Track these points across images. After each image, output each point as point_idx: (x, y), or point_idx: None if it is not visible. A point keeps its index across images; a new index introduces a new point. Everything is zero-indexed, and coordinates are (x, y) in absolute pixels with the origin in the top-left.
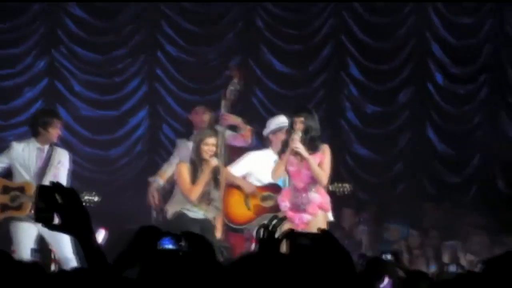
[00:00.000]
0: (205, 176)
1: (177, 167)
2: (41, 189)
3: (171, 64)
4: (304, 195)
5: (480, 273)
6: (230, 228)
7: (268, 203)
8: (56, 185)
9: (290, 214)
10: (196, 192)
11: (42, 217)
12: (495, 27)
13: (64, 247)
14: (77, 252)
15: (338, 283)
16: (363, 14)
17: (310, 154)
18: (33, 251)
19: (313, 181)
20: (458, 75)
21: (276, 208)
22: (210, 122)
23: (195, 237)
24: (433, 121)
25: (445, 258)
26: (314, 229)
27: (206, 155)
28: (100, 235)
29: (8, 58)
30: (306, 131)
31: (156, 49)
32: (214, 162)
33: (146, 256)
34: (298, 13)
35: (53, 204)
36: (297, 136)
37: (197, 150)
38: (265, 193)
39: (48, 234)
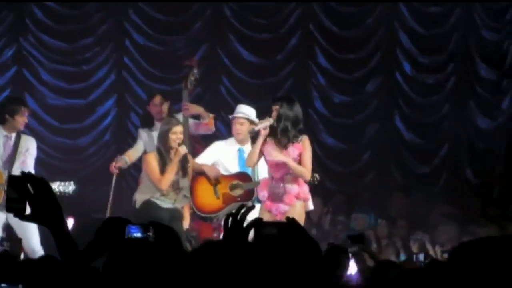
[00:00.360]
0: (174, 165)
1: (144, 158)
2: (12, 179)
3: (139, 52)
4: (281, 185)
5: (446, 262)
6: (198, 217)
7: (237, 192)
8: (27, 175)
9: (268, 204)
10: (166, 181)
11: (13, 207)
12: (463, 16)
13: (31, 238)
14: (44, 243)
15: (304, 272)
16: (331, 3)
17: (287, 144)
18: (2, 239)
19: (291, 171)
20: (426, 64)
21: (245, 196)
22: (169, 112)
23: (162, 227)
24: (401, 111)
25: (414, 248)
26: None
27: (174, 144)
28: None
29: None
30: (278, 120)
31: (124, 38)
32: (183, 150)
33: (114, 245)
34: (266, 1)
35: (25, 194)
36: (267, 123)
37: (165, 139)
38: (234, 182)
39: (16, 224)
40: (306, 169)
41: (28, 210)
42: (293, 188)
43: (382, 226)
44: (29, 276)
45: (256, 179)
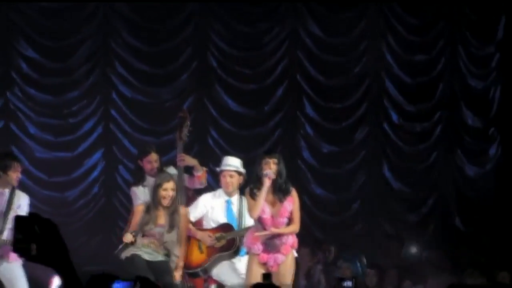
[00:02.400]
0: (139, 221)
1: (136, 208)
2: (18, 219)
3: (125, 105)
4: (277, 237)
5: None
6: (187, 273)
7: (220, 243)
8: (33, 216)
9: (263, 256)
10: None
11: (20, 248)
12: (449, 64)
13: None
14: None
15: None
16: (317, 53)
17: (283, 199)
18: None
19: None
20: (413, 113)
21: (227, 246)
22: (160, 167)
23: (147, 282)
24: (389, 160)
25: None
26: (287, 268)
27: (163, 201)
28: (56, 280)
29: None
30: (280, 175)
31: (111, 90)
32: (126, 239)
33: None
34: (252, 52)
35: (31, 235)
36: (272, 175)
37: (154, 194)
38: (217, 234)
39: (5, 277)
40: (297, 224)
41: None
42: (288, 239)
43: (372, 276)
44: None
45: (242, 227)
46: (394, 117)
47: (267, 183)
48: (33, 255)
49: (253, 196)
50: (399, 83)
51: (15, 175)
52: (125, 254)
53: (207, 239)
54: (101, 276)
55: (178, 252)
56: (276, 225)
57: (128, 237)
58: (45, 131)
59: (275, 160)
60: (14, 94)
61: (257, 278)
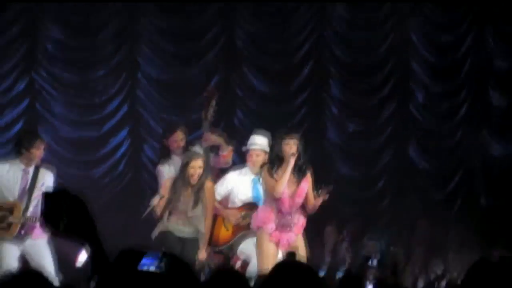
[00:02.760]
0: (165, 199)
1: (163, 182)
2: (47, 195)
3: (151, 84)
4: (290, 217)
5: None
6: (214, 251)
7: (245, 221)
8: (61, 190)
9: (276, 235)
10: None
11: (48, 222)
12: (475, 43)
13: (48, 268)
14: (59, 272)
15: None
16: (343, 32)
17: (300, 179)
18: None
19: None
20: (439, 92)
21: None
22: (186, 146)
23: (173, 258)
24: (415, 138)
25: (432, 275)
26: (298, 248)
27: (191, 179)
28: (82, 255)
29: None
30: (300, 156)
31: (136, 70)
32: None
33: (127, 279)
34: (278, 32)
35: (59, 209)
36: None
37: (182, 172)
38: (243, 212)
39: (31, 255)
40: (312, 197)
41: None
42: (300, 219)
43: (397, 254)
44: None
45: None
46: (420, 96)
47: (292, 162)
48: (61, 230)
49: (272, 175)
50: (425, 62)
51: (37, 153)
52: (155, 233)
53: (233, 217)
54: (130, 251)
55: (204, 228)
56: (293, 206)
57: (155, 200)
58: (70, 110)
59: (296, 141)
60: (39, 73)
61: (272, 256)
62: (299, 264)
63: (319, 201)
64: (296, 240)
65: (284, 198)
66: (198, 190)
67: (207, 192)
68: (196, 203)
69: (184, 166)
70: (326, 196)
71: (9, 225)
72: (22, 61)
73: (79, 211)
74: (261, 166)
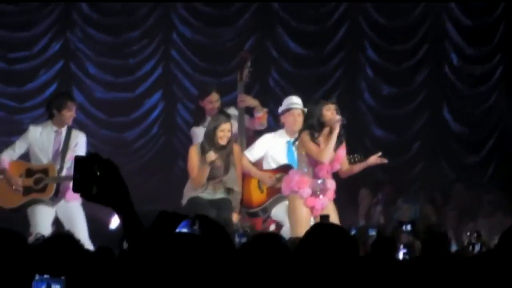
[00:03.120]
0: (205, 170)
1: (189, 150)
2: (78, 160)
3: (186, 45)
4: (325, 182)
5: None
6: (247, 213)
7: (280, 184)
8: (93, 156)
9: (311, 200)
10: (198, 182)
11: (79, 188)
12: (510, 6)
13: (80, 231)
14: (93, 236)
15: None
16: None
17: (338, 145)
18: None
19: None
20: (473, 55)
21: None
22: (221, 108)
23: (207, 220)
24: (449, 102)
25: (465, 239)
26: (332, 212)
27: (221, 141)
28: (115, 219)
29: (23, 41)
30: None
31: (171, 31)
32: (211, 157)
33: (165, 241)
34: None
35: (91, 175)
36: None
37: (211, 136)
38: (278, 175)
39: (64, 217)
40: (352, 168)
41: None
42: (333, 185)
43: (431, 216)
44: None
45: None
46: (454, 59)
47: (338, 129)
48: (93, 195)
49: (314, 140)
50: (459, 25)
51: (69, 114)
52: (185, 199)
53: (268, 179)
54: (170, 214)
55: (239, 189)
56: (330, 171)
57: (211, 155)
58: (105, 72)
59: (336, 107)
60: (75, 34)
61: (306, 221)
62: (334, 226)
63: (360, 167)
64: (329, 205)
65: (323, 163)
66: (229, 154)
67: (236, 156)
68: (227, 168)
69: (213, 130)
70: (383, 160)
71: (45, 186)
72: (58, 21)
73: (110, 177)
74: (300, 131)
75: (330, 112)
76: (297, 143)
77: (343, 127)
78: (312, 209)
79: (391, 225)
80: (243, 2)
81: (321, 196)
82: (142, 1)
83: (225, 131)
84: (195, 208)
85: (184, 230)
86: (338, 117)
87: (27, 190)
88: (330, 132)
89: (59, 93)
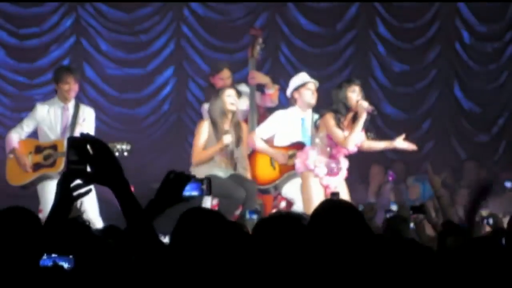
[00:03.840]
0: (216, 150)
1: (197, 124)
2: (72, 141)
3: (197, 22)
4: (338, 160)
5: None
6: (258, 189)
7: (292, 161)
8: (86, 137)
9: (327, 179)
10: (200, 159)
11: (74, 169)
12: None
13: (91, 208)
14: (103, 213)
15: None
16: None
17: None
18: None
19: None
20: (484, 33)
21: None
22: (232, 84)
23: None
24: (460, 79)
25: (477, 217)
26: (343, 190)
27: (231, 107)
28: None
29: (34, 17)
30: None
31: (183, 7)
32: (227, 140)
33: (175, 201)
34: None
35: (85, 156)
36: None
37: (219, 104)
38: (290, 152)
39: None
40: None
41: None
42: (346, 163)
43: (444, 196)
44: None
45: None
46: (466, 36)
47: (364, 116)
48: (87, 176)
49: (338, 124)
50: (470, 3)
51: (66, 87)
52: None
53: (280, 156)
54: (176, 173)
55: (246, 165)
56: (348, 153)
57: (227, 138)
58: (116, 48)
59: (360, 88)
60: (86, 10)
61: (321, 199)
62: (344, 202)
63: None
64: (341, 183)
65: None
66: (236, 126)
67: (243, 134)
68: (238, 140)
69: (220, 96)
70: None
71: (54, 161)
72: None
73: (104, 156)
74: (321, 115)
75: (356, 94)
76: (319, 122)
77: (368, 114)
78: (326, 188)
79: (401, 203)
80: None
81: (335, 176)
82: None
83: (232, 95)
84: (223, 188)
85: (193, 191)
86: (366, 105)
87: (37, 166)
88: (355, 117)
89: (58, 67)
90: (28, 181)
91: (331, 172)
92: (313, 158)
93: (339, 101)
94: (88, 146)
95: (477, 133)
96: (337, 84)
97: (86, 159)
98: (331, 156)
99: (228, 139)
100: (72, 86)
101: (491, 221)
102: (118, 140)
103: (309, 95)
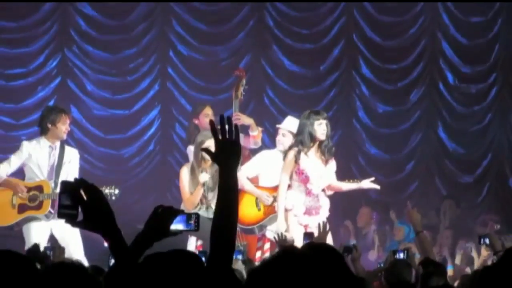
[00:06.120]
0: (198, 191)
1: (180, 170)
2: (65, 185)
3: (182, 63)
4: (316, 199)
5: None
6: (242, 229)
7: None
8: (80, 181)
9: (305, 218)
10: (192, 202)
11: (65, 213)
12: (505, 26)
13: (75, 248)
14: (88, 255)
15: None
16: (374, 13)
17: (328, 160)
18: (46, 249)
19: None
20: (468, 74)
21: None
22: None
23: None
24: (444, 121)
25: (458, 259)
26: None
27: (207, 157)
28: None
29: (20, 58)
30: (327, 137)
31: (168, 48)
32: (203, 178)
33: (162, 235)
34: (309, 12)
35: (77, 200)
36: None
37: (197, 153)
38: (275, 193)
39: (59, 234)
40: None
41: (80, 217)
42: (327, 202)
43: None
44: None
45: None
46: (450, 78)
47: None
48: (78, 221)
49: (297, 160)
50: (455, 44)
51: (64, 128)
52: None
53: (265, 197)
54: (165, 208)
55: None
56: (319, 185)
57: (204, 176)
58: (102, 88)
59: (327, 122)
60: (72, 51)
61: (300, 238)
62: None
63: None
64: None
65: (313, 179)
66: (217, 171)
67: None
68: (215, 184)
69: (198, 145)
70: (375, 186)
71: (41, 203)
72: (55, 38)
73: (97, 201)
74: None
75: (322, 127)
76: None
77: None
78: (305, 227)
79: (386, 245)
80: (238, 11)
81: (315, 215)
82: (138, 11)
83: (211, 147)
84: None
85: (180, 225)
86: (324, 131)
87: (22, 208)
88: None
89: (52, 107)
90: (13, 222)
91: (311, 211)
92: (291, 197)
93: (305, 131)
94: (82, 192)
95: (461, 174)
96: (305, 115)
97: (79, 204)
98: (310, 194)
99: (204, 177)
100: (68, 127)
101: (487, 240)
102: (106, 184)
103: (276, 139)
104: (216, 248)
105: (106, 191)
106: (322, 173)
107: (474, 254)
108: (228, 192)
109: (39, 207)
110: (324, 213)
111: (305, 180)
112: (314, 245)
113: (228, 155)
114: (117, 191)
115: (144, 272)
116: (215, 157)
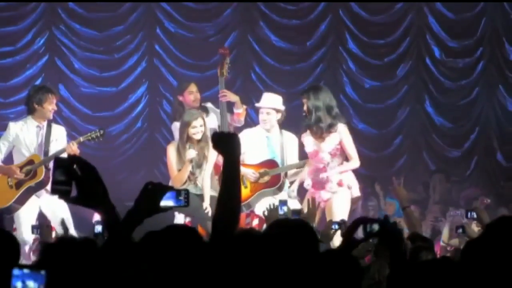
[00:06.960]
0: (186, 167)
1: (167, 148)
2: (59, 161)
3: (169, 40)
4: (323, 173)
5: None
6: None
7: (264, 179)
8: (73, 158)
9: (312, 191)
10: (179, 180)
11: (59, 189)
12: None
13: (67, 222)
14: (77, 230)
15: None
16: None
17: (323, 135)
18: (34, 228)
19: (332, 160)
20: (455, 49)
21: (271, 182)
22: (201, 100)
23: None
24: (431, 95)
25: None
26: (334, 206)
27: (193, 136)
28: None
29: (8, 36)
30: (309, 112)
31: (155, 25)
32: (190, 154)
33: (152, 211)
34: None
35: (71, 177)
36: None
37: (183, 132)
38: (261, 170)
39: (48, 211)
40: (353, 159)
41: (74, 193)
42: (334, 176)
43: (415, 211)
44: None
45: (284, 164)
46: (437, 52)
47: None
48: (72, 197)
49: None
50: (441, 19)
51: (50, 107)
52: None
53: (251, 175)
54: (154, 184)
55: (207, 186)
56: (318, 160)
57: (191, 153)
58: (89, 66)
59: (305, 100)
60: (59, 29)
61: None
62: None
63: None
64: (333, 198)
65: (310, 153)
66: (202, 148)
67: (210, 151)
68: (200, 162)
69: (185, 126)
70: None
71: (35, 172)
72: (42, 16)
73: (91, 178)
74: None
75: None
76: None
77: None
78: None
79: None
80: None
81: (322, 190)
82: None
83: (197, 127)
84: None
85: (170, 202)
86: None
87: (19, 183)
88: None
89: (38, 87)
90: (13, 199)
91: (317, 185)
92: (304, 172)
93: (321, 107)
94: (76, 167)
95: (449, 148)
96: (311, 87)
97: (73, 180)
98: (317, 169)
99: (192, 153)
100: (54, 106)
101: (460, 230)
102: (89, 132)
103: (260, 119)
104: (217, 234)
105: (93, 135)
106: (320, 150)
107: (465, 220)
108: (230, 181)
109: (34, 176)
110: (331, 188)
111: (312, 155)
112: (284, 222)
113: (228, 145)
114: (102, 131)
115: (150, 248)
116: (216, 146)
